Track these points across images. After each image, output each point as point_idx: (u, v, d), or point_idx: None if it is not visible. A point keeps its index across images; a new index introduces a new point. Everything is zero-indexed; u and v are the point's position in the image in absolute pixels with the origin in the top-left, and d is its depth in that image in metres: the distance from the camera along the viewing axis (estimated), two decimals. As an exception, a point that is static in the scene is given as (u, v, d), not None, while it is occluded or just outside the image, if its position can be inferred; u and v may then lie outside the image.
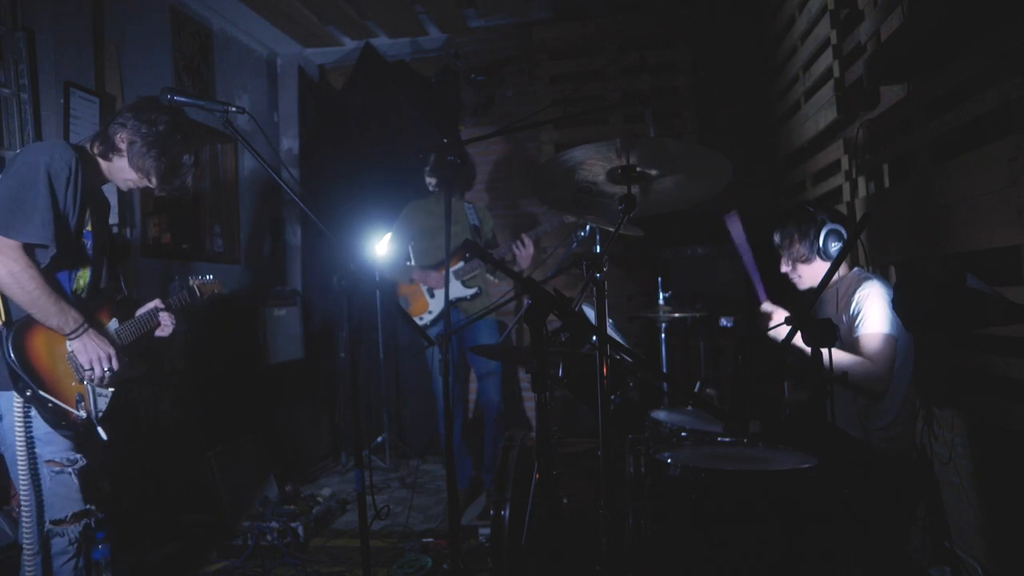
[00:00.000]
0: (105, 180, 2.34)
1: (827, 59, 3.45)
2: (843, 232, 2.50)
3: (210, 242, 4.80)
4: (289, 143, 5.57)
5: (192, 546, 3.35)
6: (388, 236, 4.13)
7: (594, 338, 1.93)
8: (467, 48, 5.34)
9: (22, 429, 2.07)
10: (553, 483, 1.86)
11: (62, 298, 2.11)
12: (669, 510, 1.87)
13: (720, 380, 4.07)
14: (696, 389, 3.70)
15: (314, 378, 5.04)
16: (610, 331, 2.52)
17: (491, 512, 2.52)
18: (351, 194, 5.16)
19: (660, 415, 2.52)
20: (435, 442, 5.00)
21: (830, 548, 1.80)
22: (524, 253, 3.75)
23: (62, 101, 3.35)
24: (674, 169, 1.99)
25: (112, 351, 2.21)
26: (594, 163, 1.97)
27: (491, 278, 4.05)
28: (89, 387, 2.20)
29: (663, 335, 3.72)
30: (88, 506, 2.18)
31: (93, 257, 2.30)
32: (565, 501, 2.34)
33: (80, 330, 2.14)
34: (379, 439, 4.89)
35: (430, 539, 3.44)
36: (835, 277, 2.53)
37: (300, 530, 3.42)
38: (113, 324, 2.33)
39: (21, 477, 2.08)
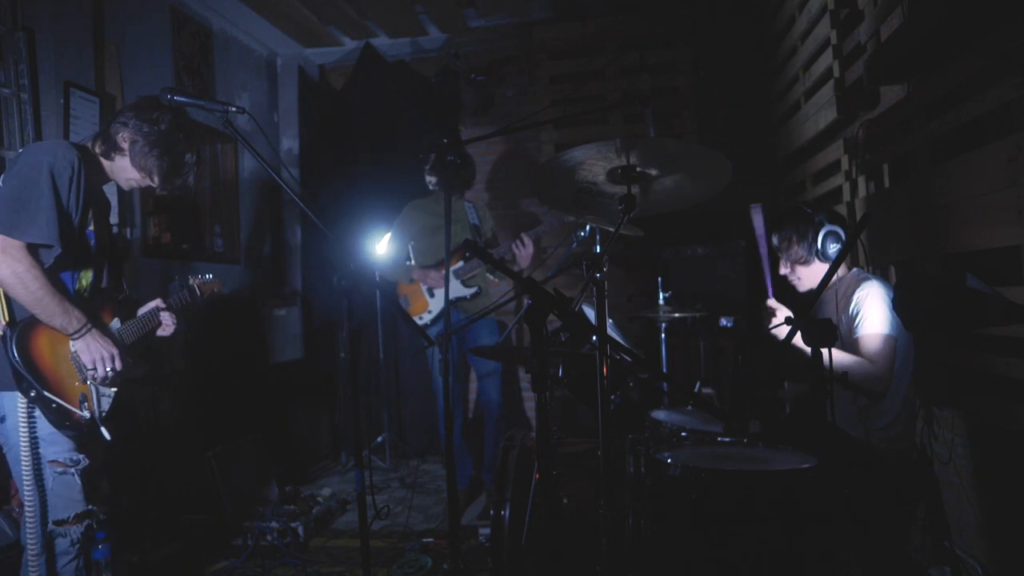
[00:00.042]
0: (107, 180, 2.34)
1: (827, 59, 3.45)
2: (841, 233, 2.50)
3: (210, 242, 4.80)
4: (289, 143, 5.57)
5: (192, 546, 3.35)
6: (388, 236, 4.13)
7: (594, 338, 1.93)
8: (467, 48, 5.34)
9: (26, 430, 2.07)
10: (553, 483, 1.86)
11: (66, 298, 2.11)
12: (669, 510, 1.87)
13: (720, 380, 4.07)
14: (696, 389, 3.71)
15: (314, 378, 5.04)
16: (610, 331, 2.52)
17: (491, 512, 2.52)
18: (351, 194, 5.17)
19: (660, 415, 2.52)
20: (435, 442, 5.00)
21: (830, 548, 1.80)
22: (524, 253, 3.75)
23: (62, 101, 3.35)
24: (674, 169, 1.99)
25: (115, 351, 2.21)
26: (594, 163, 1.97)
27: (491, 277, 4.05)
28: (92, 387, 2.20)
29: (663, 335, 3.73)
30: (90, 507, 2.18)
31: (96, 257, 2.30)
32: (565, 501, 2.34)
33: (83, 330, 2.14)
34: (379, 439, 4.89)
35: (430, 539, 3.44)
36: (834, 278, 2.53)
37: (300, 530, 3.42)
38: (115, 324, 2.33)
39: (25, 478, 2.08)
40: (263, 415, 4.34)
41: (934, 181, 2.59)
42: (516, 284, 1.79)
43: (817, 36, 3.58)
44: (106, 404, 2.24)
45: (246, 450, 3.84)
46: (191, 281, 2.60)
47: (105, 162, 2.28)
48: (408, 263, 4.03)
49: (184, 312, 2.52)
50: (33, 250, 2.06)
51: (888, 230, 3.00)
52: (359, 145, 5.31)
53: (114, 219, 3.57)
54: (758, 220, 2.55)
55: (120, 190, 2.41)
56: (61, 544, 2.14)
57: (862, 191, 3.30)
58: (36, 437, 2.10)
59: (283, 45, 5.46)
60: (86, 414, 2.16)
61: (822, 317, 1.85)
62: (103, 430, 2.21)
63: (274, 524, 3.40)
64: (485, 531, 3.31)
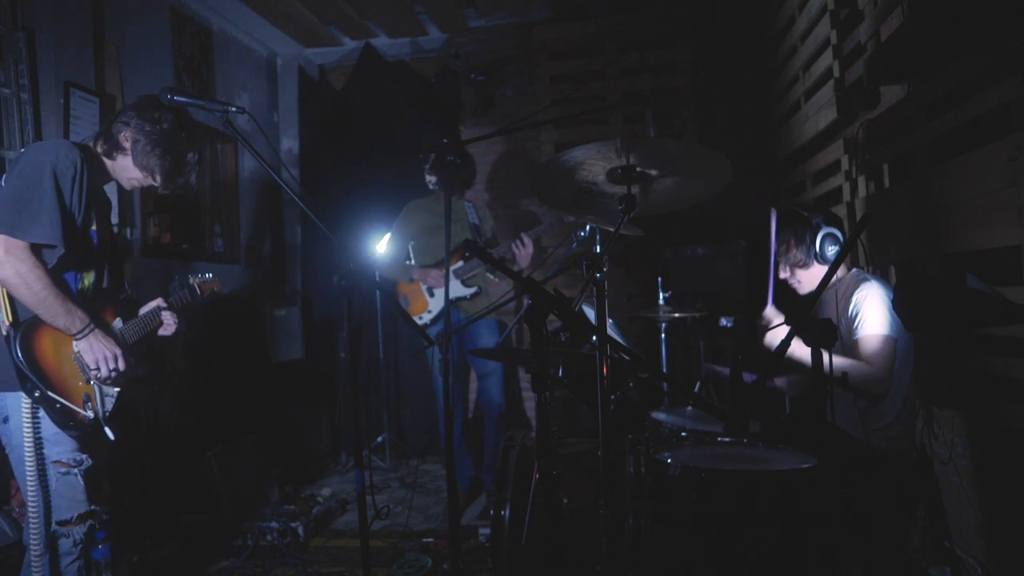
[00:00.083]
0: (108, 179, 2.34)
1: (827, 59, 3.45)
2: (839, 235, 2.50)
3: (210, 242, 4.80)
4: (289, 143, 5.57)
5: (192, 546, 3.35)
6: (388, 235, 4.13)
7: (594, 338, 1.93)
8: (467, 48, 5.34)
9: (30, 430, 2.07)
10: (553, 483, 1.86)
11: (69, 298, 2.11)
12: (669, 510, 1.87)
13: (720, 380, 4.07)
14: (696, 389, 3.71)
15: (314, 378, 5.04)
16: (610, 331, 2.52)
17: (491, 512, 2.52)
18: (351, 194, 5.16)
19: (660, 415, 2.52)
20: (435, 442, 5.00)
21: (830, 548, 1.81)
22: (524, 252, 3.75)
23: (62, 101, 3.35)
24: (674, 169, 1.99)
25: (118, 351, 2.21)
26: (594, 163, 1.97)
27: (491, 277, 4.05)
28: (96, 387, 2.20)
29: (663, 335, 3.73)
30: (93, 507, 2.18)
31: (98, 257, 2.30)
32: (565, 501, 2.34)
33: (87, 330, 2.14)
34: (379, 439, 4.89)
35: (430, 539, 3.44)
36: (834, 278, 2.52)
37: (300, 530, 3.42)
38: (117, 324, 2.33)
39: (29, 478, 2.08)
40: (263, 415, 4.34)
41: (934, 181, 2.59)
42: (516, 284, 1.79)
43: (817, 36, 3.58)
44: (109, 404, 2.24)
45: (246, 450, 3.84)
46: (191, 280, 2.59)
47: (107, 161, 2.28)
48: (408, 263, 4.03)
49: (184, 311, 2.52)
50: (36, 250, 2.05)
51: (888, 230, 3.00)
52: (359, 145, 5.31)
53: (114, 219, 3.56)
54: (774, 224, 2.57)
55: (120, 190, 2.41)
56: (64, 544, 2.14)
57: (862, 191, 3.30)
58: (40, 438, 2.10)
59: (283, 45, 5.46)
60: (90, 414, 2.16)
61: (823, 318, 1.85)
62: (107, 430, 2.21)
63: (274, 524, 3.40)
64: (485, 531, 3.31)
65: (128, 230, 3.95)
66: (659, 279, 3.57)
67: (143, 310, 2.43)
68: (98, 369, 2.17)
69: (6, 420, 2.12)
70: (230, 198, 5.01)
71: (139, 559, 3.11)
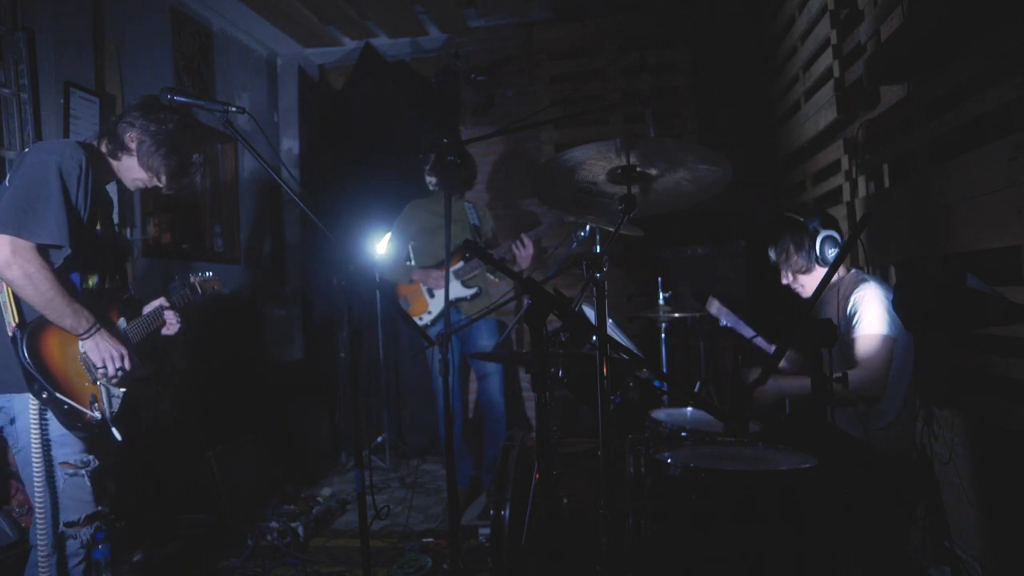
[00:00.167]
0: (111, 179, 2.33)
1: (827, 59, 3.45)
2: (838, 237, 2.50)
3: (210, 242, 4.80)
4: (289, 143, 5.57)
5: (192, 546, 3.35)
6: (388, 236, 4.13)
7: (594, 338, 1.93)
8: (467, 48, 5.34)
9: (37, 431, 2.06)
10: (553, 483, 1.86)
11: (75, 298, 2.10)
12: (669, 510, 1.87)
13: (720, 380, 4.07)
14: (696, 389, 3.71)
15: (314, 378, 5.04)
16: (611, 331, 2.52)
17: (491, 512, 2.52)
18: (351, 194, 5.17)
19: (660, 415, 2.52)
20: (435, 442, 5.00)
21: (830, 548, 1.80)
22: (524, 253, 3.75)
23: (62, 101, 3.35)
24: (674, 169, 1.99)
25: (124, 350, 2.20)
26: (594, 163, 1.97)
27: (491, 278, 4.05)
28: (102, 388, 2.20)
29: (663, 335, 3.73)
30: (99, 508, 2.18)
31: (102, 257, 2.30)
32: (565, 501, 2.34)
33: (92, 330, 2.13)
34: (379, 439, 4.89)
35: (430, 539, 3.44)
36: (835, 278, 2.53)
37: (300, 530, 3.42)
38: (121, 323, 2.33)
39: (36, 479, 2.07)
40: (263, 415, 4.34)
41: (934, 181, 2.59)
42: (516, 284, 1.79)
43: (817, 36, 3.58)
44: (116, 404, 2.24)
45: (246, 450, 3.84)
46: (192, 279, 2.60)
47: (112, 162, 2.27)
48: (408, 263, 4.03)
49: (186, 311, 2.52)
50: (43, 251, 2.04)
51: (888, 230, 3.00)
52: (359, 145, 5.31)
53: (114, 219, 3.57)
54: (716, 308, 2.67)
55: (120, 189, 2.41)
56: (72, 546, 2.14)
57: (862, 191, 3.30)
58: (48, 439, 2.09)
59: (283, 45, 5.46)
60: (97, 415, 2.16)
61: (823, 318, 1.85)
62: (114, 431, 2.20)
63: (274, 524, 3.40)
64: (485, 531, 3.31)
65: (128, 230, 3.95)
66: (659, 279, 3.57)
67: (146, 309, 2.43)
68: (105, 368, 2.17)
69: (12, 421, 2.12)
70: (230, 198, 5.01)
71: (139, 559, 3.11)
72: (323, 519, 3.72)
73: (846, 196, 3.43)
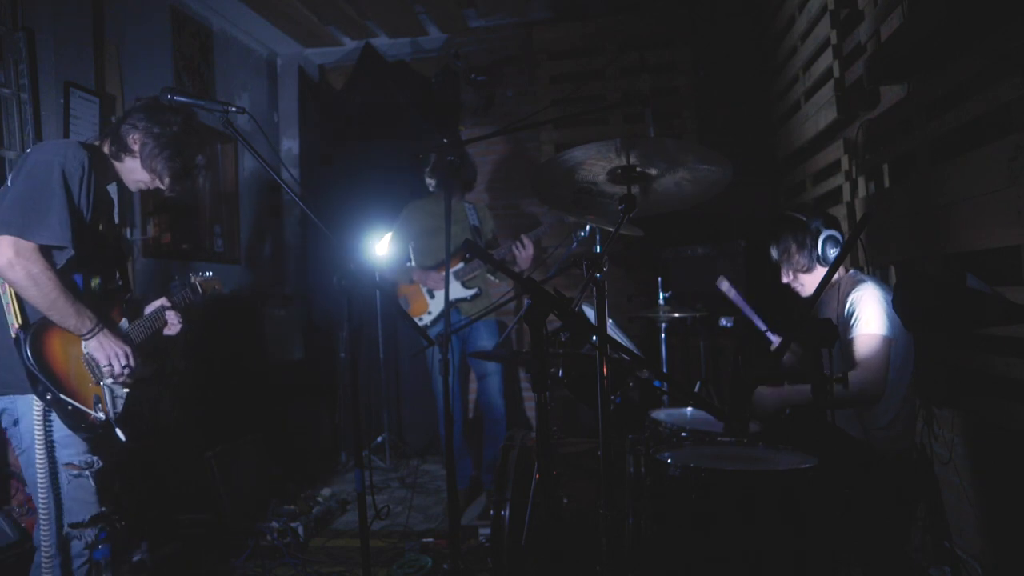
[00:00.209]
0: (113, 180, 2.32)
1: (827, 59, 3.45)
2: (839, 237, 2.50)
3: (210, 242, 4.80)
4: (289, 143, 5.57)
5: (192, 546, 3.35)
6: (388, 236, 4.13)
7: (594, 338, 1.93)
8: (467, 48, 5.34)
9: (41, 433, 2.06)
10: (553, 483, 1.86)
11: (78, 299, 2.10)
12: (669, 510, 1.87)
13: (720, 380, 4.07)
14: (696, 389, 3.71)
15: (314, 378, 5.04)
16: (611, 331, 2.52)
17: (491, 512, 2.52)
18: (351, 194, 5.17)
19: (660, 415, 2.52)
20: (435, 442, 5.00)
21: (830, 548, 1.81)
22: (524, 254, 3.75)
23: (62, 101, 3.35)
24: (674, 169, 1.99)
25: (128, 348, 2.20)
26: (594, 163, 1.97)
27: (491, 278, 4.05)
28: (106, 388, 2.20)
29: (663, 335, 3.73)
30: (103, 509, 2.17)
31: (104, 257, 2.29)
32: (565, 501, 2.34)
33: (96, 330, 2.13)
34: (379, 439, 4.89)
35: (430, 539, 3.44)
36: (834, 278, 2.53)
37: (300, 530, 3.42)
38: (123, 324, 2.33)
39: (40, 481, 2.07)
40: (263, 415, 4.34)
41: (934, 181, 2.59)
42: (516, 284, 1.79)
43: (817, 36, 3.58)
44: (120, 405, 2.24)
45: (246, 450, 3.84)
46: (192, 279, 2.59)
47: (114, 163, 2.27)
48: (408, 264, 4.02)
49: (187, 311, 2.52)
50: (46, 251, 2.04)
51: (888, 230, 3.00)
52: (359, 145, 5.32)
53: (115, 219, 3.57)
54: (727, 287, 2.67)
55: (120, 190, 2.41)
56: (76, 547, 2.14)
57: (862, 191, 3.30)
58: (52, 440, 2.09)
59: (283, 45, 5.46)
60: (101, 415, 2.15)
61: (822, 318, 1.85)
62: (118, 431, 2.20)
63: (274, 524, 3.40)
64: (485, 531, 3.31)
65: (128, 230, 3.95)
66: (659, 279, 3.57)
67: (147, 310, 2.43)
68: (111, 366, 2.17)
69: (16, 423, 2.12)
70: (230, 198, 5.02)
71: (139, 559, 3.11)
72: (323, 519, 3.72)
73: (846, 196, 3.43)
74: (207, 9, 4.73)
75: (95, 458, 2.16)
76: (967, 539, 2.63)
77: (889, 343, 2.33)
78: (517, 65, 5.29)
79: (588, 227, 3.34)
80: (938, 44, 2.43)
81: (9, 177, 2.14)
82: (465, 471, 4.02)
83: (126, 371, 2.20)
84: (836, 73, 3.36)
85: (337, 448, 5.05)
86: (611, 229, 2.29)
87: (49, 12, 3.29)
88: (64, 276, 2.07)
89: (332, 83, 5.71)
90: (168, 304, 2.44)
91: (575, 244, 3.50)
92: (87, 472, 2.12)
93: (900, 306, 1.91)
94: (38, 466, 2.06)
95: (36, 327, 2.06)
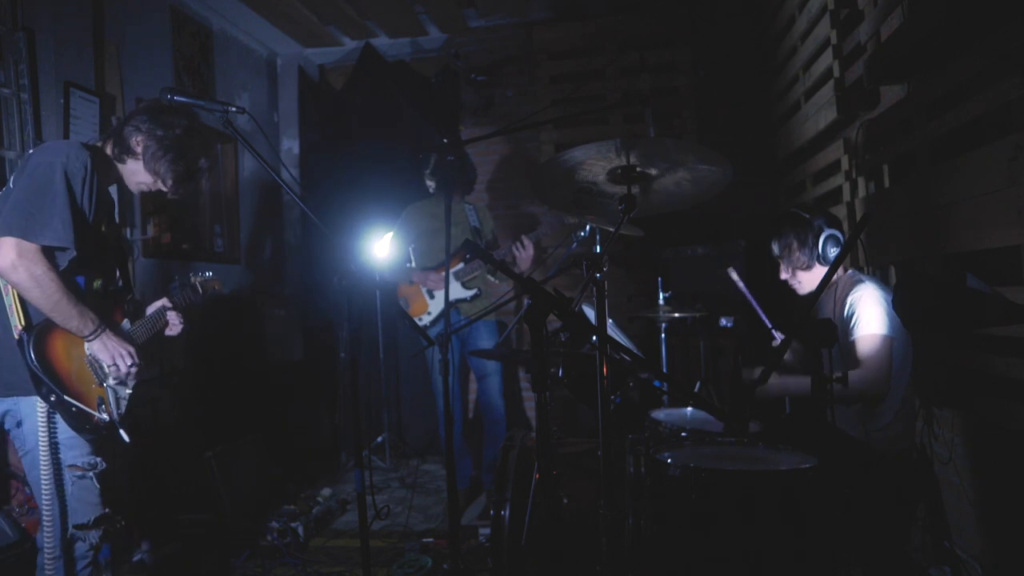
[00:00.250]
0: (115, 181, 2.32)
1: (827, 59, 3.45)
2: (840, 237, 2.50)
3: (210, 242, 4.80)
4: (289, 143, 5.57)
5: (192, 546, 3.35)
6: (388, 237, 4.13)
7: (594, 338, 1.93)
8: (467, 48, 5.34)
9: (45, 435, 2.05)
10: (553, 483, 1.85)
11: (80, 300, 2.09)
12: (669, 510, 1.87)
13: (720, 380, 4.07)
14: (696, 389, 3.71)
15: (314, 378, 5.04)
16: (611, 331, 2.52)
17: (491, 512, 2.52)
18: (351, 194, 5.17)
19: (660, 415, 2.52)
20: (435, 442, 5.00)
21: (830, 548, 1.81)
22: (524, 255, 3.75)
23: (62, 101, 3.35)
24: (674, 169, 1.99)
25: (132, 348, 2.20)
26: (594, 163, 1.97)
27: (492, 279, 4.05)
28: (109, 390, 2.20)
29: (663, 335, 3.73)
30: (106, 510, 2.17)
31: (106, 258, 2.29)
32: (565, 501, 2.34)
33: (98, 331, 2.13)
34: (379, 439, 4.89)
35: (430, 539, 3.44)
36: (833, 278, 2.53)
37: (300, 530, 3.42)
38: (125, 325, 2.32)
39: (44, 483, 2.06)
40: (263, 415, 4.34)
41: (934, 181, 2.59)
42: (516, 284, 1.79)
43: (817, 36, 3.58)
44: (123, 406, 2.24)
45: (246, 450, 3.84)
46: (192, 279, 2.59)
47: (117, 165, 2.26)
48: (408, 265, 4.02)
49: (187, 311, 2.52)
50: (49, 253, 2.03)
51: (888, 230, 3.00)
52: (359, 145, 5.32)
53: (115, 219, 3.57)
54: (736, 277, 2.66)
55: (120, 190, 2.40)
56: (80, 548, 2.14)
57: (862, 191, 3.30)
58: (56, 442, 2.09)
59: (283, 45, 5.46)
60: (105, 417, 2.15)
61: (822, 318, 1.85)
62: (122, 432, 2.20)
63: (274, 524, 3.40)
64: (485, 531, 3.31)
65: (128, 230, 3.95)
66: (659, 279, 3.57)
67: (149, 310, 2.43)
68: (117, 367, 2.17)
69: (20, 424, 2.11)
70: (230, 198, 5.02)
71: (139, 559, 3.11)
72: (323, 519, 3.72)
73: (846, 196, 3.43)
74: (207, 9, 4.73)
75: (99, 459, 2.15)
76: (967, 539, 2.63)
77: (890, 342, 2.33)
78: (517, 65, 5.29)
79: (588, 227, 3.34)
80: (938, 44, 2.43)
81: (11, 178, 2.13)
82: (465, 471, 4.02)
83: (133, 370, 2.20)
84: (836, 73, 3.36)
85: (337, 448, 5.05)
86: (611, 229, 2.29)
87: (49, 12, 3.29)
88: (66, 277, 2.07)
89: (332, 83, 5.71)
90: (169, 305, 2.44)
91: (575, 244, 3.50)
92: (91, 473, 2.12)
93: (900, 306, 1.91)
94: (42, 468, 2.06)
95: (39, 328, 2.06)
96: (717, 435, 2.17)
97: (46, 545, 2.08)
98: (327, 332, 5.25)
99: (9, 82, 3.13)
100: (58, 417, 2.07)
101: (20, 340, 2.03)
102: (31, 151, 2.17)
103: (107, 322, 2.17)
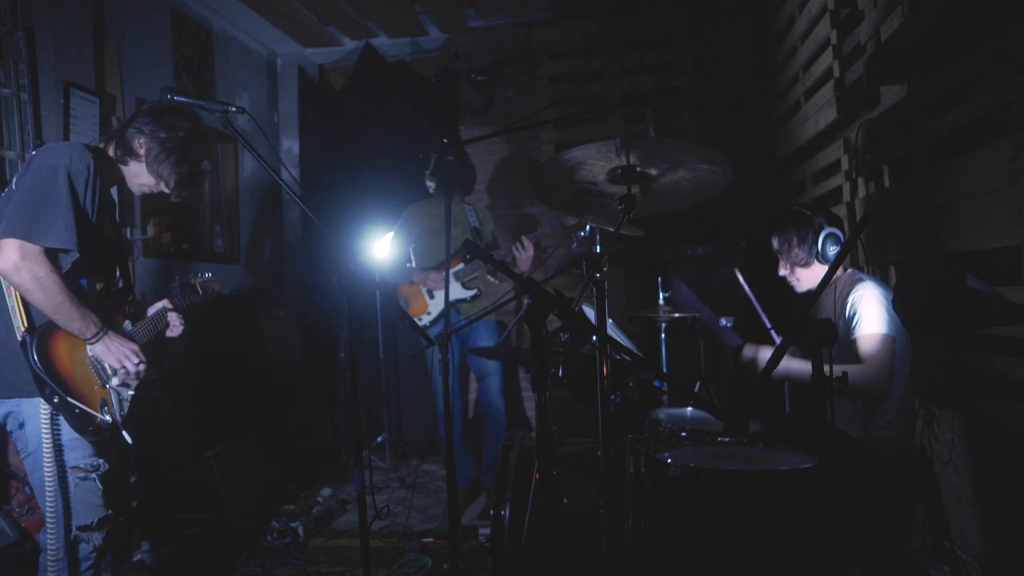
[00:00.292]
0: (117, 182, 2.31)
1: (827, 59, 3.45)
2: (840, 235, 2.51)
3: (210, 242, 4.80)
4: (289, 143, 5.57)
5: (192, 546, 3.35)
6: (389, 237, 4.13)
7: (594, 338, 1.93)
8: (467, 48, 5.34)
9: (49, 436, 2.05)
10: (553, 483, 1.86)
11: (82, 303, 2.09)
12: (669, 510, 1.87)
13: (720, 380, 4.07)
14: (696, 389, 3.71)
15: (314, 378, 5.04)
16: (611, 331, 2.52)
17: (491, 512, 2.53)
18: (351, 194, 5.17)
19: (660, 415, 2.52)
20: (435, 442, 5.00)
21: (830, 548, 1.80)
22: (524, 256, 3.75)
23: (62, 101, 3.35)
24: (674, 169, 1.99)
25: (136, 347, 2.21)
26: (594, 163, 1.97)
27: (491, 279, 4.05)
28: (112, 391, 2.19)
29: (663, 335, 3.73)
30: (109, 511, 2.17)
31: (108, 259, 2.29)
32: (565, 501, 2.34)
33: (100, 334, 2.12)
34: (379, 439, 4.89)
35: (430, 539, 3.44)
36: (833, 277, 2.53)
37: (300, 530, 3.42)
38: (127, 326, 2.32)
39: (47, 484, 2.06)
40: (263, 415, 4.34)
41: (934, 181, 2.59)
42: (517, 284, 1.79)
43: (817, 36, 3.58)
44: (126, 408, 2.23)
45: (246, 450, 3.85)
46: (192, 280, 2.59)
47: (120, 166, 2.26)
48: (409, 265, 4.03)
49: (188, 312, 2.52)
50: (52, 255, 2.03)
51: (888, 230, 3.00)
52: (359, 145, 5.31)
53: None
54: (742, 279, 2.68)
55: (120, 190, 2.40)
56: (84, 550, 2.14)
57: (862, 191, 3.30)
58: (60, 444, 2.08)
59: (283, 45, 5.47)
60: (107, 418, 2.15)
61: (822, 318, 1.85)
62: (125, 434, 2.20)
63: (274, 524, 3.40)
64: (485, 531, 3.31)
65: (128, 230, 3.95)
66: (659, 279, 3.57)
67: (150, 311, 2.42)
68: (124, 368, 2.17)
69: (22, 426, 2.11)
70: (230, 198, 5.02)
71: (139, 559, 3.11)
72: (323, 519, 3.72)
73: (846, 196, 3.43)
74: (207, 9, 4.73)
75: (101, 461, 2.15)
76: (967, 539, 2.63)
77: (892, 341, 2.34)
78: (517, 65, 5.29)
79: (588, 227, 3.34)
80: (938, 44, 2.43)
81: (13, 179, 2.13)
82: (465, 471, 4.02)
83: (141, 368, 2.20)
84: (836, 73, 3.36)
85: (337, 448, 5.05)
86: (611, 229, 2.29)
87: (49, 12, 3.29)
88: (70, 280, 2.06)
89: (332, 83, 5.71)
90: (170, 306, 2.44)
91: (575, 244, 3.50)
92: (93, 475, 2.13)
93: (900, 306, 1.91)
94: (46, 470, 2.05)
95: (42, 330, 2.06)
96: (717, 435, 2.17)
97: (49, 546, 2.08)
98: (327, 332, 5.24)
99: (9, 82, 3.13)
100: (61, 419, 2.07)
101: (23, 341, 2.03)
102: (34, 152, 2.16)
103: (109, 324, 2.17)
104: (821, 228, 2.50)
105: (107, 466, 2.16)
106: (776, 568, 1.75)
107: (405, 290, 4.01)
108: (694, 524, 1.81)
